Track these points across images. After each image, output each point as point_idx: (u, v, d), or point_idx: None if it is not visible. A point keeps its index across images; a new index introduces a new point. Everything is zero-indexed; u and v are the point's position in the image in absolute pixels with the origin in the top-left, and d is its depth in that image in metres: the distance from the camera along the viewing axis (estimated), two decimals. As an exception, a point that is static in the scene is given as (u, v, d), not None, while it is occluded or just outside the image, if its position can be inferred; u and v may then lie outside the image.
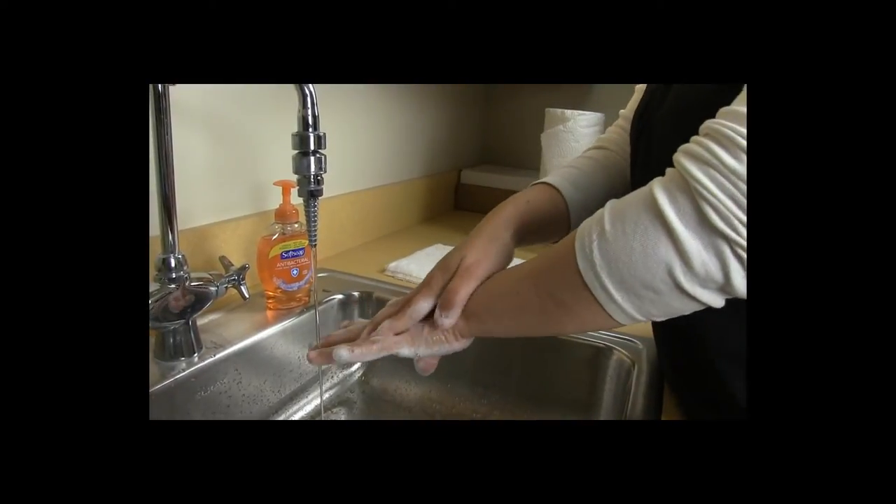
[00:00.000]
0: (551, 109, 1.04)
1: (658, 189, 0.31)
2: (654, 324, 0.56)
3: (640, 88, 0.62)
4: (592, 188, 0.57)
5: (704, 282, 0.30)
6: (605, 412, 0.65)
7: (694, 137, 0.31)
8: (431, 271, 0.46)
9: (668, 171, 0.32)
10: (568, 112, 1.02)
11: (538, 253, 0.40)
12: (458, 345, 0.44)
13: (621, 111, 0.64)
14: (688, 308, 0.33)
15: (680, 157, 0.31)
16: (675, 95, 0.43)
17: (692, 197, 0.29)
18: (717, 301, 0.32)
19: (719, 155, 0.28)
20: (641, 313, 0.34)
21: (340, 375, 0.76)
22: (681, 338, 0.48)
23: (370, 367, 0.78)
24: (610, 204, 0.34)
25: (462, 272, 0.43)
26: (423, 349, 0.44)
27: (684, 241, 0.29)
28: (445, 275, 0.44)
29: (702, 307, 0.32)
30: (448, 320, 0.42)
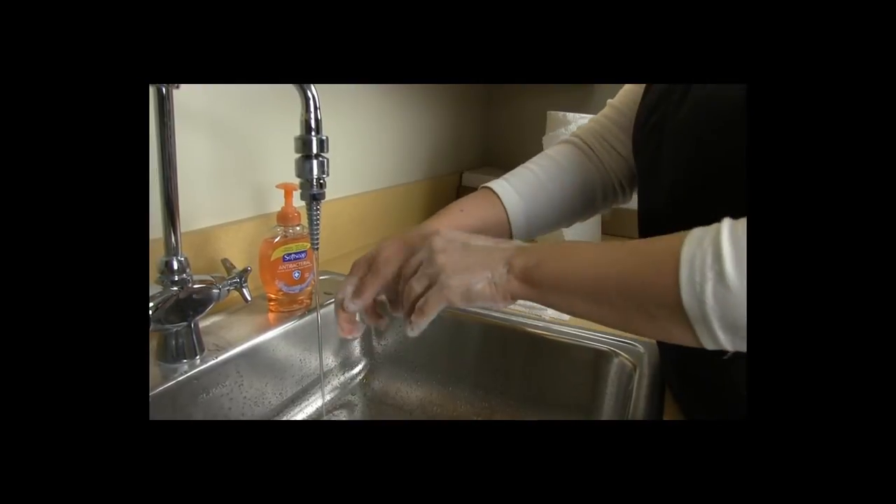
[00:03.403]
0: (553, 112, 1.05)
1: None
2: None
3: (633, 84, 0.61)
4: (540, 197, 0.55)
5: None
6: (606, 415, 0.65)
7: None
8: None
9: None
10: (569, 115, 1.02)
11: (622, 244, 0.36)
12: (502, 305, 0.40)
13: (610, 101, 0.63)
14: None
15: None
16: (691, 103, 0.42)
17: None
18: None
19: None
20: (734, 347, 0.31)
21: (342, 378, 0.76)
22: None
23: (372, 370, 0.78)
24: (731, 234, 0.29)
25: (437, 289, 0.40)
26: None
27: None
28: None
29: None
30: (416, 331, 0.41)
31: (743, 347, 0.31)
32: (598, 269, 0.36)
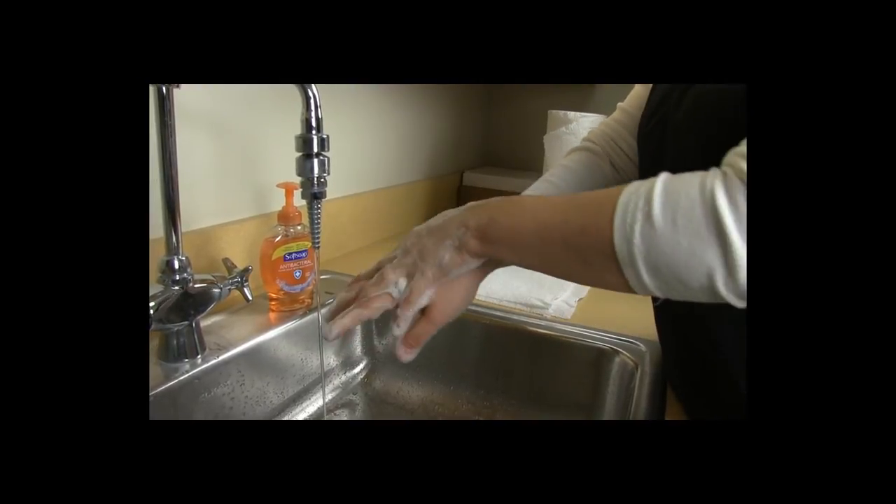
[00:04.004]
0: (554, 111, 1.05)
1: (719, 190, 0.29)
2: (660, 327, 0.56)
3: (641, 85, 0.62)
4: None
5: (742, 294, 0.29)
6: (608, 414, 0.65)
7: None
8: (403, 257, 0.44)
9: (728, 171, 0.30)
10: (570, 114, 1.02)
11: (567, 197, 0.38)
12: (475, 263, 0.42)
13: (620, 104, 0.64)
14: (708, 301, 0.32)
15: (742, 163, 0.29)
16: (693, 99, 0.42)
17: None
18: (742, 305, 0.31)
19: None
20: (662, 293, 0.33)
21: (343, 377, 0.76)
22: (690, 341, 0.48)
23: (373, 369, 0.78)
24: (663, 182, 0.32)
25: (428, 317, 0.43)
26: (434, 287, 0.43)
27: (736, 253, 0.28)
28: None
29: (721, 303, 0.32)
30: (409, 357, 0.43)
31: (668, 293, 0.32)
32: (544, 220, 0.38)
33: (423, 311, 0.44)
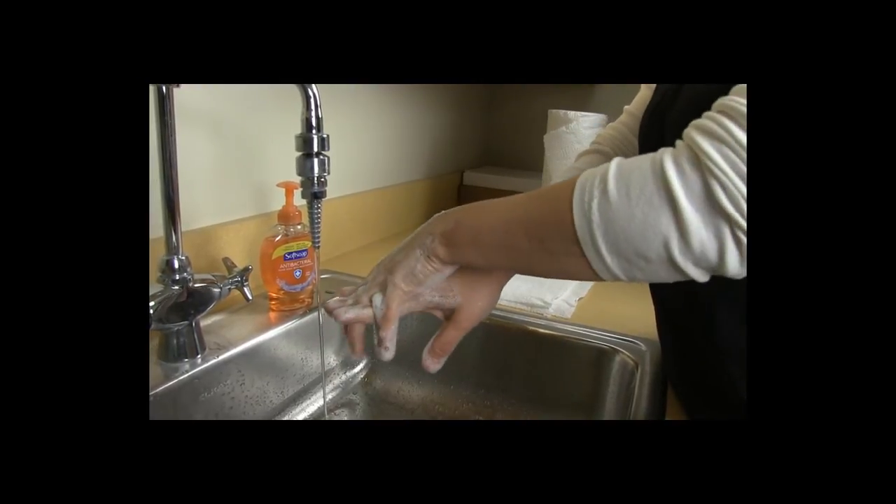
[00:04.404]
0: (554, 111, 1.04)
1: (668, 160, 0.30)
2: (659, 326, 0.56)
3: (649, 85, 0.62)
4: None
5: (698, 260, 0.30)
6: (608, 414, 0.65)
7: (707, 113, 0.30)
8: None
9: (679, 143, 0.31)
10: (570, 113, 1.02)
11: (528, 193, 0.39)
12: (448, 270, 0.43)
13: (626, 107, 0.64)
14: (672, 279, 0.33)
15: (692, 133, 0.30)
16: (687, 96, 0.43)
17: (702, 173, 0.29)
18: (703, 278, 0.32)
19: (733, 131, 0.28)
20: (626, 276, 0.34)
21: (343, 377, 0.76)
22: (689, 340, 0.48)
23: (373, 369, 0.78)
24: (616, 162, 0.33)
25: (455, 323, 0.44)
26: (422, 297, 0.44)
27: (687, 217, 0.29)
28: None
29: (685, 279, 0.32)
30: (436, 367, 0.45)
31: (630, 272, 0.33)
32: (506, 216, 0.38)
33: (450, 318, 0.44)
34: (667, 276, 0.32)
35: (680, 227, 0.29)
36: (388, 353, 0.44)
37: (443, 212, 0.43)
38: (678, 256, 0.30)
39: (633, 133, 0.60)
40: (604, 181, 0.32)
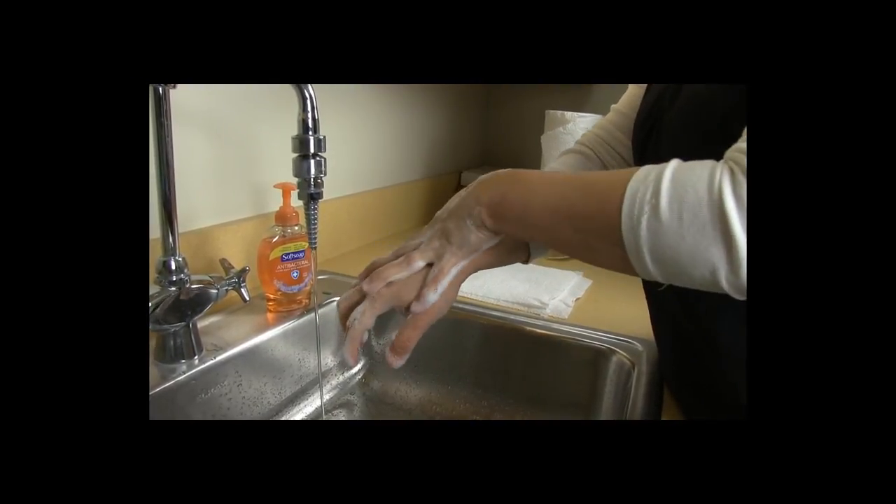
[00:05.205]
0: (551, 111, 1.05)
1: (727, 188, 0.29)
2: (656, 328, 0.56)
3: (635, 85, 0.62)
4: None
5: (742, 290, 0.30)
6: (604, 414, 0.65)
7: None
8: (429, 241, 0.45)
9: (734, 167, 0.29)
10: (568, 114, 1.02)
11: (575, 178, 0.38)
12: (494, 240, 0.43)
13: (613, 105, 0.63)
14: (709, 291, 0.32)
15: (743, 158, 0.29)
16: (687, 97, 0.43)
17: None
18: (742, 297, 0.31)
19: None
20: (664, 280, 0.34)
21: (341, 378, 0.76)
22: (688, 343, 0.48)
23: (371, 369, 0.78)
24: (671, 172, 0.31)
25: (412, 321, 0.44)
26: (464, 262, 0.44)
27: (740, 251, 0.28)
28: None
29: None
30: (399, 363, 0.44)
31: (670, 280, 0.33)
32: (554, 203, 0.38)
33: (408, 318, 0.44)
34: (705, 290, 0.32)
35: (731, 260, 0.29)
36: (420, 306, 0.44)
37: (486, 177, 0.43)
38: (724, 283, 0.30)
39: (621, 131, 0.60)
40: (656, 195, 0.31)
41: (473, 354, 0.73)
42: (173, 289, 0.50)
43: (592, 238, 0.36)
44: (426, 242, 0.45)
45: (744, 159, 0.29)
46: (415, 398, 0.74)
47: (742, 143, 0.30)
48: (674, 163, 0.32)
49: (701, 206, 0.29)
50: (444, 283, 0.43)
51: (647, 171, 0.33)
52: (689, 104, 0.42)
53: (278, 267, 0.65)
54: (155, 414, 0.49)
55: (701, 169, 0.31)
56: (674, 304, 0.48)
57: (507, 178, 0.41)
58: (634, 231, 0.32)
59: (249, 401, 0.60)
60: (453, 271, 0.43)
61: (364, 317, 0.43)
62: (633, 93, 0.61)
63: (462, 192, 0.44)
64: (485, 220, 0.41)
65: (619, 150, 0.60)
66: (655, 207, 0.31)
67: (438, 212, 0.46)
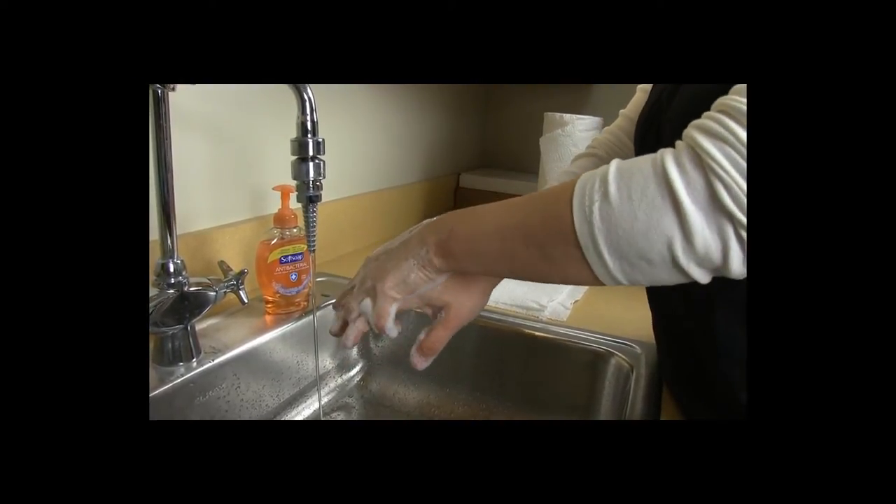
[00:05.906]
0: (550, 113, 1.05)
1: (669, 160, 0.30)
2: (656, 329, 0.56)
3: (643, 88, 0.62)
4: None
5: (701, 261, 0.30)
6: (603, 416, 0.65)
7: (707, 113, 0.30)
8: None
9: (679, 143, 0.31)
10: (566, 116, 1.02)
11: (523, 197, 0.38)
12: (442, 278, 0.42)
13: (622, 111, 0.64)
14: (675, 281, 0.32)
15: (693, 132, 0.30)
16: (683, 96, 0.43)
17: (704, 172, 0.29)
18: (705, 279, 0.31)
19: (734, 130, 0.28)
20: (628, 279, 0.33)
21: (339, 380, 0.76)
22: (687, 344, 0.48)
23: (369, 372, 0.78)
24: (616, 164, 0.33)
25: (444, 322, 0.43)
26: (411, 301, 0.43)
27: (690, 217, 0.29)
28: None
29: (688, 281, 0.32)
30: (424, 365, 0.44)
31: (632, 275, 0.33)
32: (503, 222, 0.38)
33: (438, 316, 0.44)
34: (669, 279, 0.32)
35: (683, 228, 0.29)
36: (394, 332, 0.44)
37: (434, 218, 0.42)
38: (682, 257, 0.30)
39: (629, 136, 0.61)
40: (604, 183, 0.32)
41: (472, 357, 0.73)
42: (171, 291, 0.50)
43: (547, 245, 0.35)
44: (358, 284, 0.45)
45: (692, 132, 0.30)
46: (413, 400, 0.74)
47: (697, 121, 0.31)
48: (615, 160, 0.33)
49: (648, 182, 0.30)
50: (388, 324, 0.43)
51: (591, 171, 0.34)
52: (686, 105, 0.42)
53: (277, 269, 0.65)
54: (153, 416, 0.49)
55: (643, 157, 0.32)
56: (673, 302, 0.48)
57: (455, 215, 0.41)
58: (588, 220, 0.32)
59: (248, 403, 0.60)
60: (391, 315, 0.43)
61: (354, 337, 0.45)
62: (639, 97, 0.61)
63: (403, 235, 0.44)
64: (432, 261, 0.41)
65: (628, 155, 0.60)
66: (605, 194, 0.32)
67: (372, 254, 0.46)
